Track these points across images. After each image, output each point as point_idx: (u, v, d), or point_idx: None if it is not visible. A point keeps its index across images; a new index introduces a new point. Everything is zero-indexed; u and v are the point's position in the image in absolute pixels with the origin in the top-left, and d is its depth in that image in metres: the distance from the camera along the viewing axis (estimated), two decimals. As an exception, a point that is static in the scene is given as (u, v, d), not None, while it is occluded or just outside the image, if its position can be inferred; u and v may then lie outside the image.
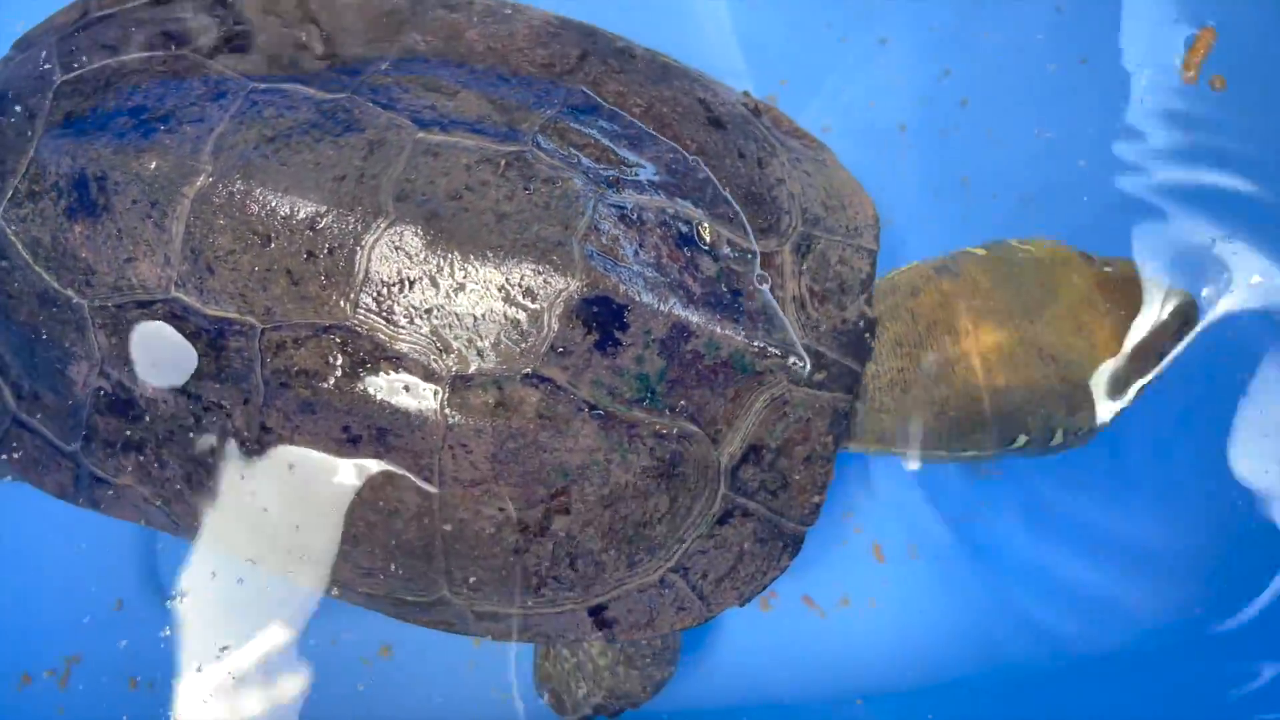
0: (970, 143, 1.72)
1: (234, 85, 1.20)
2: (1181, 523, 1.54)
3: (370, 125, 1.16)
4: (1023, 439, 1.24)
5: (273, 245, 1.11)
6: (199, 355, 1.16)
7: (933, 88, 1.75)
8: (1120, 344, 1.20)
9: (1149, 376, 1.23)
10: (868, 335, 1.24)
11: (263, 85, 1.20)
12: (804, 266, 1.23)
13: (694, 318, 1.14)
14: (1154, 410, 1.38)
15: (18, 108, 1.24)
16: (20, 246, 1.20)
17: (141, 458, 1.24)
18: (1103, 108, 1.66)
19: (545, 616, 1.24)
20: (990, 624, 1.54)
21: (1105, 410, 1.23)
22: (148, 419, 1.21)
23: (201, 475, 1.22)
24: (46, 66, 1.26)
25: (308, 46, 1.26)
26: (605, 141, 1.19)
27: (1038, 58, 1.73)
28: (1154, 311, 1.22)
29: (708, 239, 1.18)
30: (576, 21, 1.37)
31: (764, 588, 1.26)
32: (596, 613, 1.24)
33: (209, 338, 1.15)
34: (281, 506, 1.20)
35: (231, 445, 1.18)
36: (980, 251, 1.29)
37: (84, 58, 1.26)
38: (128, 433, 1.23)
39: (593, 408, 1.12)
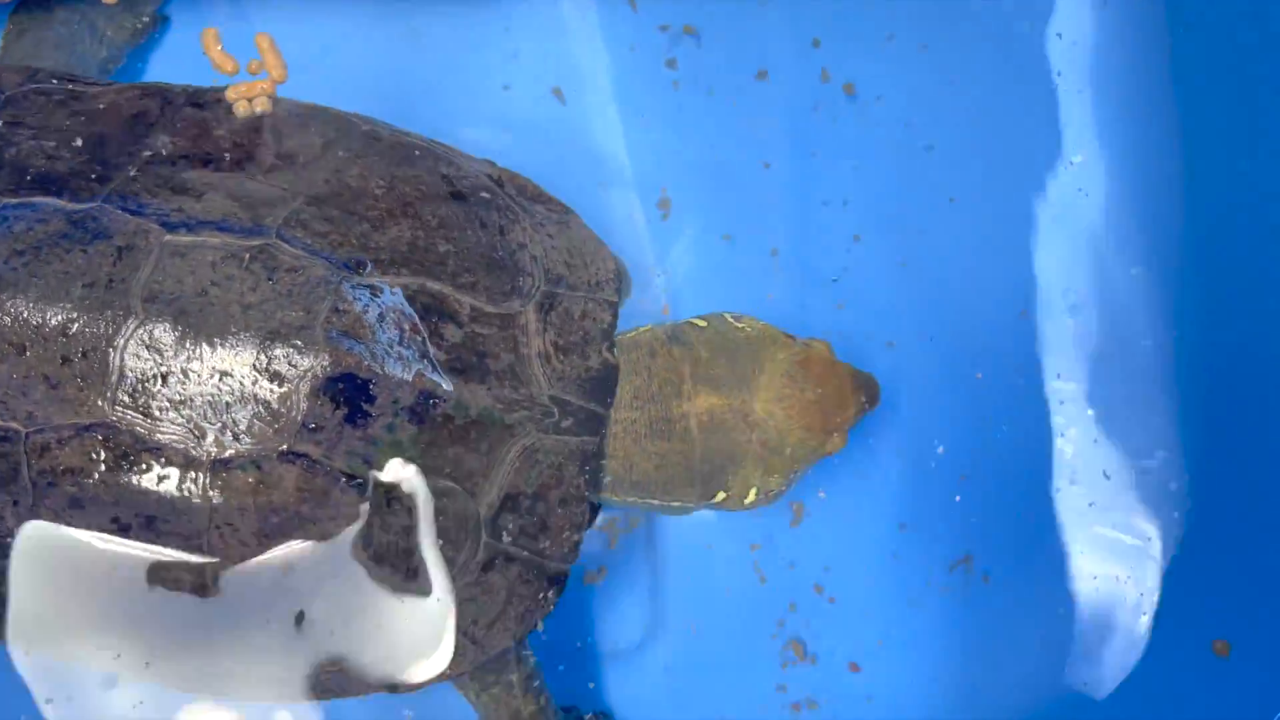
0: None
1: None
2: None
3: (119, 232, 1.22)
4: (722, 495, 1.38)
5: (29, 353, 1.17)
6: None
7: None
8: (813, 416, 1.35)
9: (834, 448, 1.39)
10: (610, 380, 1.35)
11: (14, 201, 1.25)
12: (548, 322, 1.34)
13: (440, 383, 1.23)
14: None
15: None
16: None
17: None
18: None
19: (332, 675, 1.32)
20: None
21: (792, 476, 1.39)
22: None
23: None
24: None
25: (57, 156, 1.31)
26: (346, 226, 1.28)
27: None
28: (844, 389, 1.38)
29: (451, 309, 1.27)
30: (329, 109, 1.45)
31: (534, 626, 1.36)
32: None
33: None
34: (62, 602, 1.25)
35: (5, 548, 1.23)
36: (701, 323, 1.44)
37: None
38: None
39: (350, 478, 1.20)
